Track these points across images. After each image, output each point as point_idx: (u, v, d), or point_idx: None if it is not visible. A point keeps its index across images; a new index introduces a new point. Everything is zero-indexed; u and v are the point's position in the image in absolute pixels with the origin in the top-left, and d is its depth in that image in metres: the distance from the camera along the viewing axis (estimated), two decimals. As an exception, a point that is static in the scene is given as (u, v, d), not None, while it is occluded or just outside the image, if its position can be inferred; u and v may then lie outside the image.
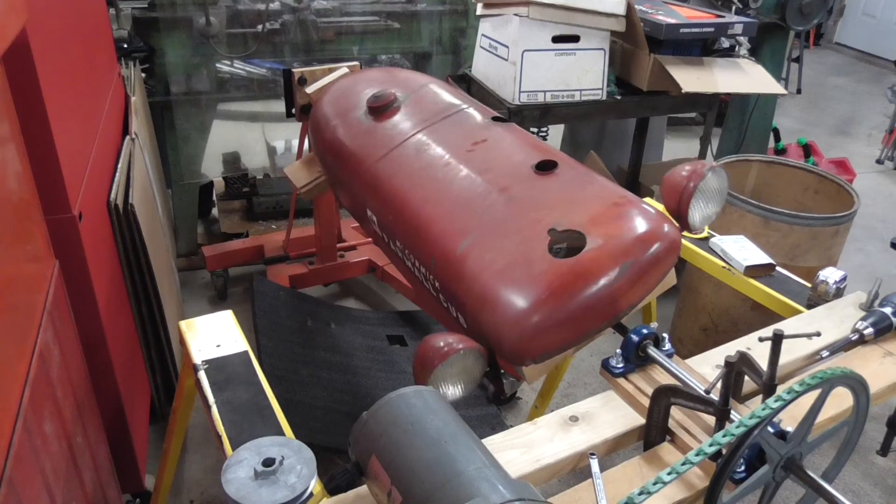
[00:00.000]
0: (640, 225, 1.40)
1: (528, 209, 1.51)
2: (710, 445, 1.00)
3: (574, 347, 1.44)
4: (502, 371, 2.90)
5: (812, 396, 1.10)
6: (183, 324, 1.59)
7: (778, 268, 1.88)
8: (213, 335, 1.56)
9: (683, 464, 0.98)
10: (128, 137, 2.39)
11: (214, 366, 1.48)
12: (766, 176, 3.01)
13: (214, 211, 3.99)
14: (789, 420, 1.13)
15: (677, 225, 1.45)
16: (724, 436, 1.01)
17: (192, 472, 2.49)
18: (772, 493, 1.15)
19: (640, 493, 0.94)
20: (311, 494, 1.10)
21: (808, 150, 4.49)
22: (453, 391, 1.39)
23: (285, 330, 2.83)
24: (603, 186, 1.54)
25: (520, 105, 2.78)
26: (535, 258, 1.39)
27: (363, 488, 1.12)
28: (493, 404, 2.77)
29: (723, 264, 1.90)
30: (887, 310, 1.51)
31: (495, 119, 1.92)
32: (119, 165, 2.21)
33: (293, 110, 2.69)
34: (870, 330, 1.48)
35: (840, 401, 1.30)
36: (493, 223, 1.53)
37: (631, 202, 1.46)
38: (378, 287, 3.61)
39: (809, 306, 1.72)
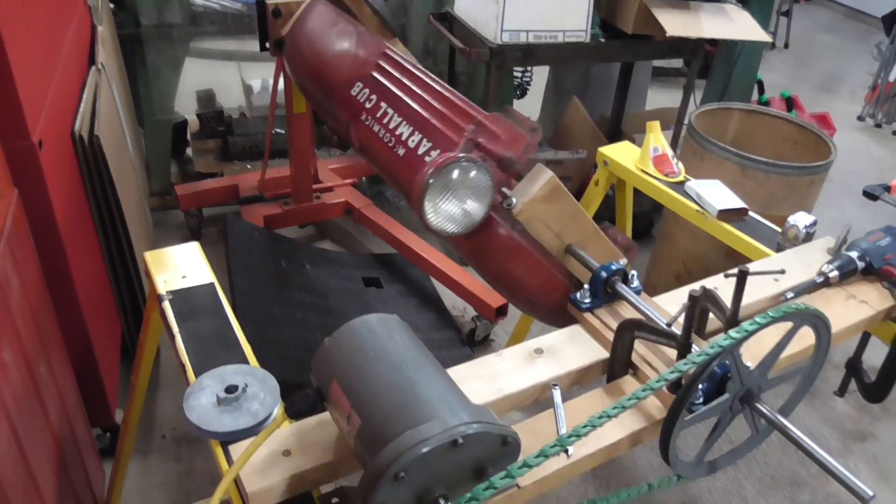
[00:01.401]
0: None
1: None
2: (672, 372, 1.01)
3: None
4: (476, 313, 2.91)
5: (775, 333, 1.10)
6: (148, 255, 1.57)
7: (751, 213, 1.88)
8: (179, 267, 1.54)
9: (644, 390, 0.99)
10: (94, 68, 2.32)
11: (180, 297, 1.45)
12: (747, 126, 2.99)
13: (189, 151, 3.91)
14: (748, 356, 1.14)
15: None
16: (685, 364, 1.01)
17: (164, 409, 2.49)
18: (725, 425, 1.16)
19: (601, 417, 0.95)
20: (273, 420, 1.10)
21: (790, 103, 4.48)
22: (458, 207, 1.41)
23: (259, 270, 2.80)
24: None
25: (502, 45, 2.72)
26: None
27: (325, 415, 1.12)
28: (466, 346, 2.79)
29: (697, 208, 1.90)
30: (853, 254, 1.52)
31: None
32: (84, 96, 2.15)
33: (267, 44, 2.61)
34: (835, 273, 1.49)
35: (801, 340, 1.32)
36: None
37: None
38: (354, 230, 3.59)
39: (779, 250, 1.73)
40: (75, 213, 1.97)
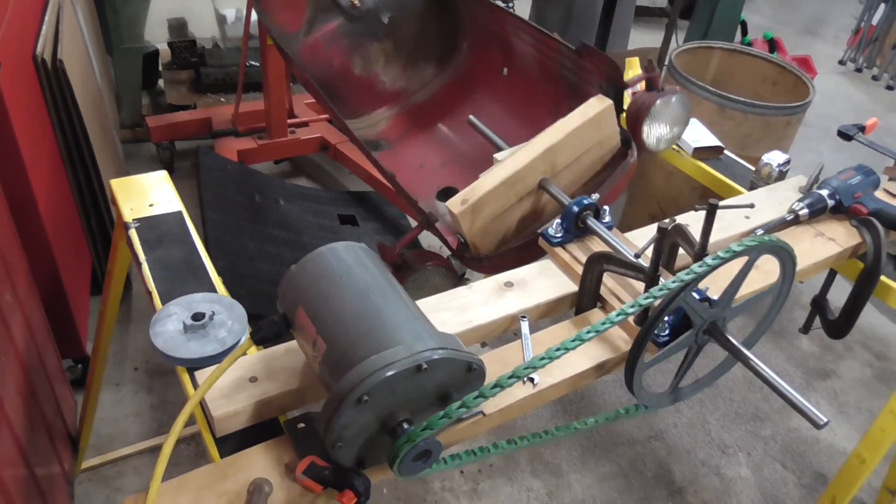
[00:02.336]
0: None
1: None
2: (632, 307, 1.01)
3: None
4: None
5: (738, 265, 1.11)
6: (114, 182, 1.53)
7: (726, 151, 1.88)
8: (146, 195, 1.51)
9: (604, 323, 0.99)
10: (56, -12, 2.22)
11: (146, 224, 1.43)
12: (727, 65, 2.97)
13: (160, 82, 3.81)
14: (716, 290, 1.15)
15: None
16: (646, 298, 1.02)
17: (136, 342, 2.49)
18: (693, 357, 1.18)
19: (558, 349, 0.96)
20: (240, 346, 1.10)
21: (773, 45, 4.44)
22: None
23: (232, 204, 2.77)
24: None
25: (481, -24, 2.64)
26: None
27: (293, 343, 1.12)
28: (440, 284, 2.80)
29: (673, 146, 1.89)
30: (824, 192, 1.52)
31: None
32: (46, 18, 2.06)
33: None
34: (805, 211, 1.50)
35: (766, 275, 1.33)
36: None
37: None
38: (331, 166, 3.54)
39: (752, 189, 1.73)
40: (39, 140, 1.92)
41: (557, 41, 1.80)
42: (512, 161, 1.48)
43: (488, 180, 1.46)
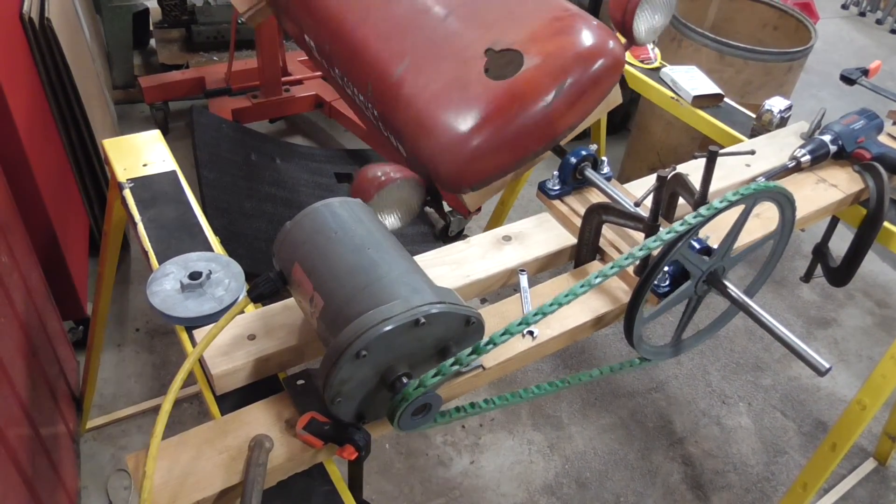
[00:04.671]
0: (581, 41, 1.30)
1: (466, 28, 1.41)
2: (639, 250, 1.00)
3: (513, 173, 1.41)
4: (450, 208, 2.90)
5: (736, 213, 1.09)
6: (107, 142, 1.51)
7: (726, 99, 1.84)
8: (140, 154, 1.49)
9: (612, 267, 0.98)
10: (39, -56, 2.16)
11: (140, 184, 1.42)
12: (727, 11, 2.91)
13: (152, 42, 3.75)
14: (716, 239, 1.14)
15: (622, 40, 1.37)
16: (652, 242, 1.00)
17: (137, 303, 2.49)
18: (694, 307, 1.17)
19: (567, 295, 0.94)
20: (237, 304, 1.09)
21: (775, -10, 4.34)
22: (391, 221, 1.37)
23: (228, 163, 2.74)
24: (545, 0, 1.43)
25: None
26: (472, 80, 1.31)
27: (291, 300, 1.12)
28: (439, 241, 2.80)
29: (671, 94, 1.86)
30: (826, 137, 1.50)
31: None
32: (31, -25, 2.01)
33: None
34: (807, 157, 1.48)
35: (766, 223, 1.32)
36: (430, 45, 1.42)
37: (573, 16, 1.35)
38: (326, 124, 3.50)
39: (753, 136, 1.71)
40: (30, 100, 1.89)
41: None
42: None
43: None
